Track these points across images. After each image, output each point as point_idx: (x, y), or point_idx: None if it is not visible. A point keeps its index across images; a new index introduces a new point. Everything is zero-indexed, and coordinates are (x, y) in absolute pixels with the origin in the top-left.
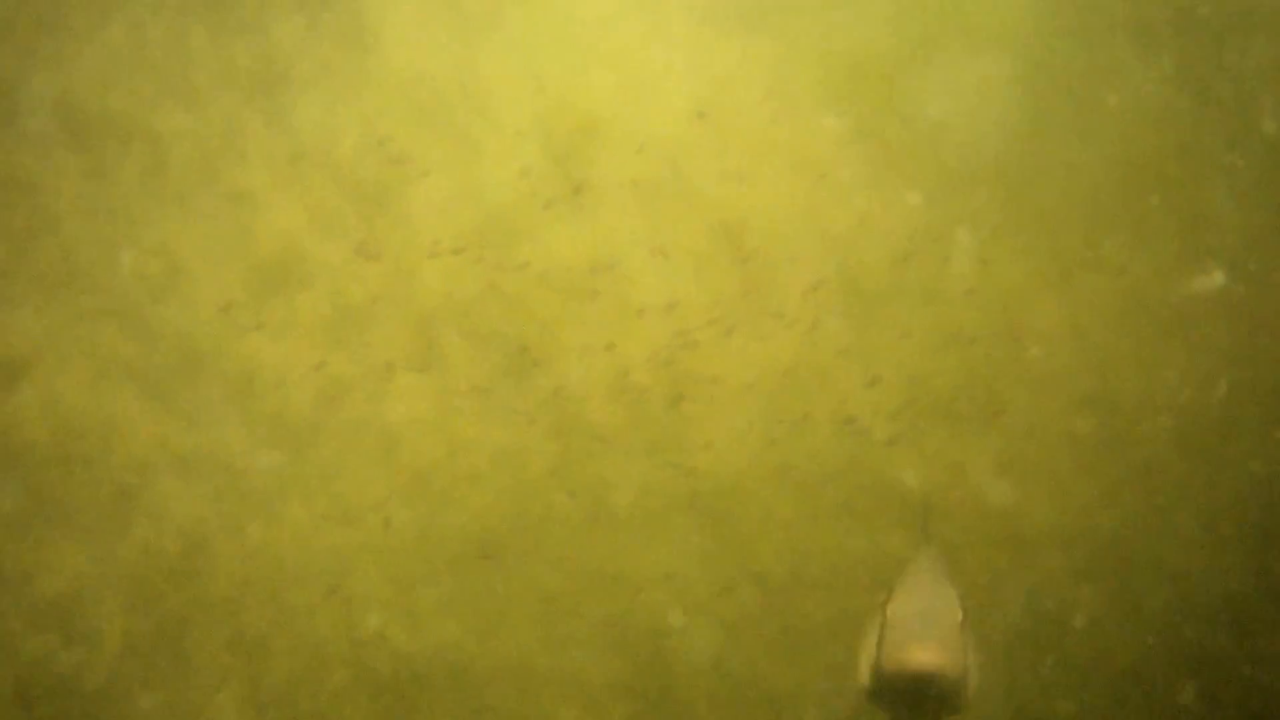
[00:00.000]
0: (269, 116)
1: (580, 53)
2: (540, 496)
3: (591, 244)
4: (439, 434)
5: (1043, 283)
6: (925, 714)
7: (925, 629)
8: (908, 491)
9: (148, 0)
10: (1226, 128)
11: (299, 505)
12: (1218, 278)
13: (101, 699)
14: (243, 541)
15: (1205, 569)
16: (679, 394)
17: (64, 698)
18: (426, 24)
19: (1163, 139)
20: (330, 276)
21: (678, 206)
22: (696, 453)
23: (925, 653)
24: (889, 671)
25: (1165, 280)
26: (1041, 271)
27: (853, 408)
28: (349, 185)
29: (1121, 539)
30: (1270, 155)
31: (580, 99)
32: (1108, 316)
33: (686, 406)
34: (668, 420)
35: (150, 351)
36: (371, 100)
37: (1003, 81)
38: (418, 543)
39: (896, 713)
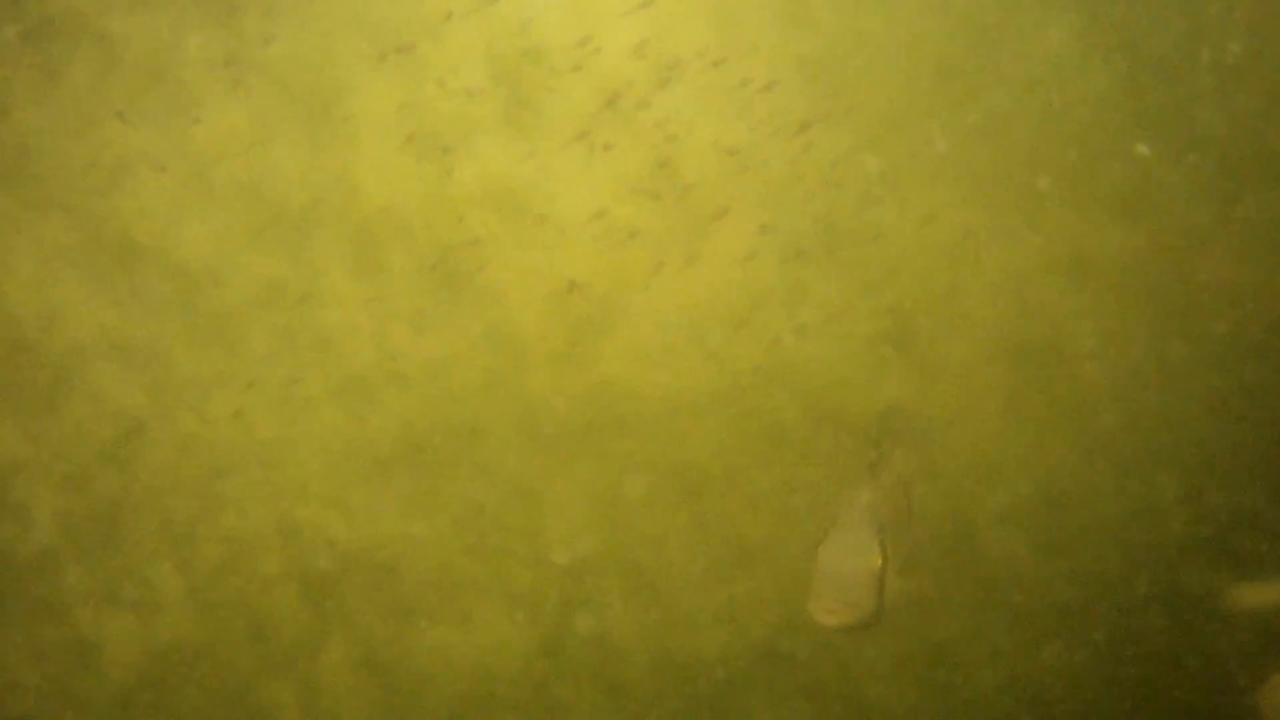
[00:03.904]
0: (217, 21)
1: None
2: (470, 407)
3: (532, 164)
4: (372, 339)
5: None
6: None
7: (840, 589)
8: (842, 417)
9: None
10: None
11: (231, 399)
12: None
13: (32, 571)
14: (175, 430)
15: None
16: (613, 313)
17: None
18: None
19: None
20: (271, 179)
21: (619, 133)
22: (628, 371)
23: (833, 616)
24: (810, 615)
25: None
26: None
27: (785, 336)
28: (293, 92)
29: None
30: None
31: (529, 20)
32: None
33: (620, 326)
34: (600, 338)
35: (94, 243)
36: (316, 11)
37: None
38: (348, 443)
39: None
